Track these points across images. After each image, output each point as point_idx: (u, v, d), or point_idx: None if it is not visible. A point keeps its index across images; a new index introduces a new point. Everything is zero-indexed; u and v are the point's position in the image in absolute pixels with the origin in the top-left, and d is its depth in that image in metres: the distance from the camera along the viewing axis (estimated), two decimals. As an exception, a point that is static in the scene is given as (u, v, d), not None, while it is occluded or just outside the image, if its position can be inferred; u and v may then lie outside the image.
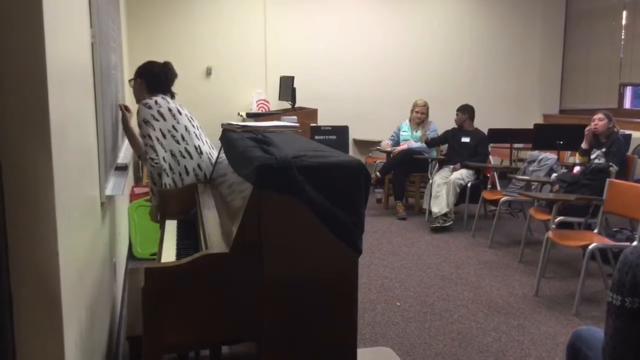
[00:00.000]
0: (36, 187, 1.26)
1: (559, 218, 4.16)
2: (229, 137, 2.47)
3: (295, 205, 1.73)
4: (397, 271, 4.43)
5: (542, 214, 4.58)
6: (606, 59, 7.69)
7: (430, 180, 5.97)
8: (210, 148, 3.13)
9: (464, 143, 6.05)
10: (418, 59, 7.96)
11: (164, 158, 2.92)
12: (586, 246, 3.68)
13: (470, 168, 5.85)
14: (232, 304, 1.73)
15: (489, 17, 8.17)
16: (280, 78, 7.28)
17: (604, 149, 4.73)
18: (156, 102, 2.98)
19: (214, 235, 1.96)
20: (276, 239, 1.74)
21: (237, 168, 2.09)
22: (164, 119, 2.96)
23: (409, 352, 3.11)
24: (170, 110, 2.99)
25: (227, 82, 7.40)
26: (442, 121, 6.64)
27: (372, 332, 3.35)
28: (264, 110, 7.20)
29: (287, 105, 6.97)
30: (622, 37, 7.44)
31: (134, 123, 3.21)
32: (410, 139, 6.46)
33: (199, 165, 3.00)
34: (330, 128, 6.80)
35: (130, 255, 4.57)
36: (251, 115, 6.75)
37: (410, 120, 6.55)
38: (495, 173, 6.03)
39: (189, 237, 2.37)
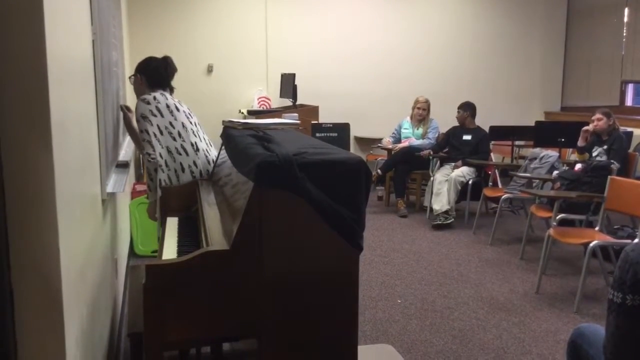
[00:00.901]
0: (37, 184, 1.26)
1: (560, 215, 4.16)
2: (230, 134, 2.47)
3: (296, 203, 1.73)
4: (398, 268, 4.43)
5: (543, 212, 4.57)
6: (608, 56, 7.68)
7: (432, 178, 5.96)
8: (208, 145, 3.12)
9: (465, 141, 6.05)
10: (419, 56, 7.95)
11: (160, 154, 2.92)
12: (587, 244, 3.68)
13: (472, 165, 5.84)
14: (233, 300, 1.73)
15: (491, 14, 8.16)
16: (282, 75, 7.28)
17: (605, 146, 4.73)
18: (154, 98, 2.98)
19: (215, 233, 1.97)
20: (277, 236, 1.74)
21: (238, 165, 2.09)
22: (162, 115, 2.96)
23: (409, 349, 3.11)
24: (168, 106, 2.99)
25: (228, 79, 7.40)
26: (443, 118, 6.64)
27: (373, 329, 3.36)
28: (265, 108, 7.20)
29: (288, 102, 6.97)
30: (624, 34, 7.43)
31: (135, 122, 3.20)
32: (412, 136, 6.45)
33: (194, 162, 2.99)
34: (331, 125, 6.80)
35: (132, 253, 4.58)
36: (252, 113, 6.76)
37: (411, 118, 6.54)
38: (496, 170, 6.03)
39: (190, 235, 2.37)
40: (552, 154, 5.50)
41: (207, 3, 7.25)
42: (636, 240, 3.52)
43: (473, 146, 5.98)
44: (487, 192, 5.58)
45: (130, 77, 3.26)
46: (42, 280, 1.29)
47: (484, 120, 6.26)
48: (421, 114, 6.41)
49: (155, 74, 3.12)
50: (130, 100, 4.93)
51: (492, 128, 6.12)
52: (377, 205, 6.61)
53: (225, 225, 2.01)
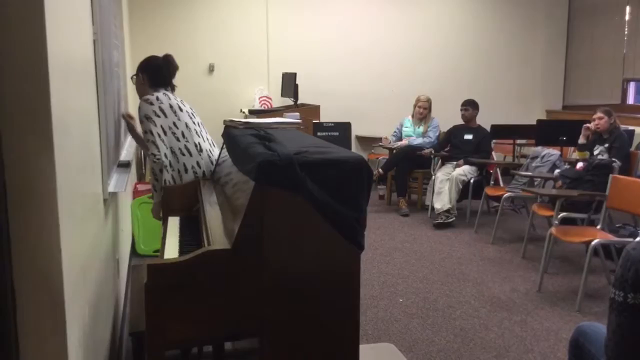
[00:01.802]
0: (38, 183, 1.27)
1: (562, 214, 4.15)
2: (231, 133, 2.47)
3: (297, 202, 1.73)
4: (399, 267, 4.44)
5: (545, 210, 4.57)
6: (609, 55, 7.66)
7: (433, 177, 5.96)
8: (211, 145, 3.12)
9: (466, 140, 6.04)
10: (421, 55, 7.94)
11: (165, 155, 2.92)
12: (589, 242, 3.67)
13: (473, 164, 5.83)
14: (234, 299, 1.73)
15: (492, 13, 8.15)
16: (283, 74, 7.27)
17: (606, 145, 4.72)
18: (157, 99, 2.98)
19: (217, 232, 1.97)
20: (278, 235, 1.74)
21: (239, 164, 2.10)
22: (165, 116, 2.95)
23: (411, 348, 3.11)
24: (171, 107, 2.99)
25: (230, 78, 7.40)
26: (444, 117, 6.63)
27: (375, 328, 3.36)
28: (266, 107, 7.20)
29: (289, 101, 6.97)
30: (626, 32, 7.41)
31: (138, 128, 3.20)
32: (412, 135, 6.45)
33: (197, 163, 2.99)
34: (332, 124, 6.80)
35: (134, 252, 4.58)
36: (253, 112, 6.76)
37: (412, 116, 6.54)
38: (498, 169, 6.02)
39: (191, 234, 2.38)
40: (553, 152, 5.50)
41: (208, 3, 7.25)
42: (638, 239, 3.51)
43: (474, 145, 5.98)
44: (489, 190, 5.57)
45: (132, 77, 3.26)
46: (43, 280, 1.29)
47: (485, 119, 6.25)
48: (422, 112, 6.41)
49: (157, 72, 3.12)
50: (132, 100, 4.94)
51: (493, 127, 6.11)
52: (379, 204, 6.61)
53: (226, 224, 2.01)
